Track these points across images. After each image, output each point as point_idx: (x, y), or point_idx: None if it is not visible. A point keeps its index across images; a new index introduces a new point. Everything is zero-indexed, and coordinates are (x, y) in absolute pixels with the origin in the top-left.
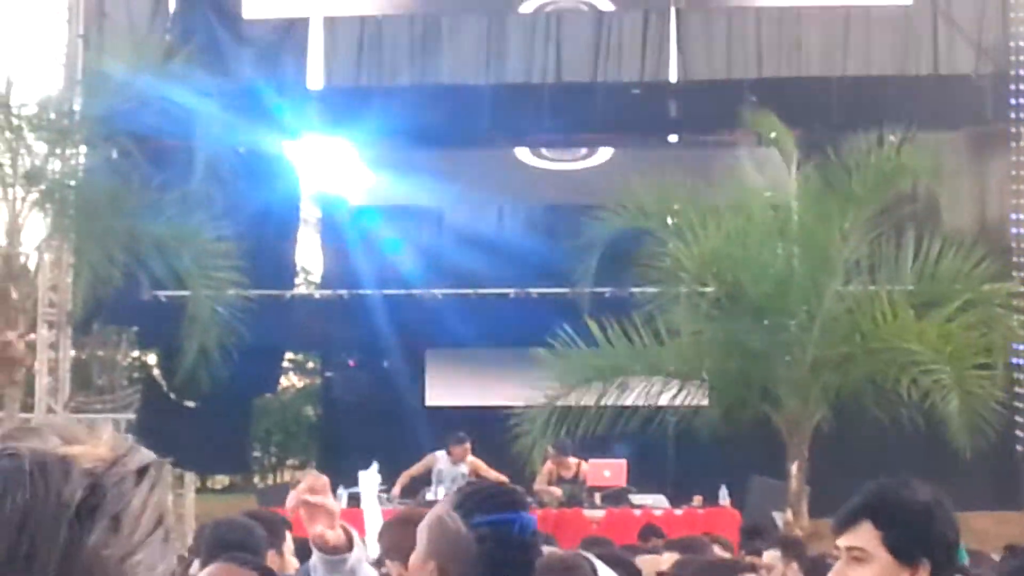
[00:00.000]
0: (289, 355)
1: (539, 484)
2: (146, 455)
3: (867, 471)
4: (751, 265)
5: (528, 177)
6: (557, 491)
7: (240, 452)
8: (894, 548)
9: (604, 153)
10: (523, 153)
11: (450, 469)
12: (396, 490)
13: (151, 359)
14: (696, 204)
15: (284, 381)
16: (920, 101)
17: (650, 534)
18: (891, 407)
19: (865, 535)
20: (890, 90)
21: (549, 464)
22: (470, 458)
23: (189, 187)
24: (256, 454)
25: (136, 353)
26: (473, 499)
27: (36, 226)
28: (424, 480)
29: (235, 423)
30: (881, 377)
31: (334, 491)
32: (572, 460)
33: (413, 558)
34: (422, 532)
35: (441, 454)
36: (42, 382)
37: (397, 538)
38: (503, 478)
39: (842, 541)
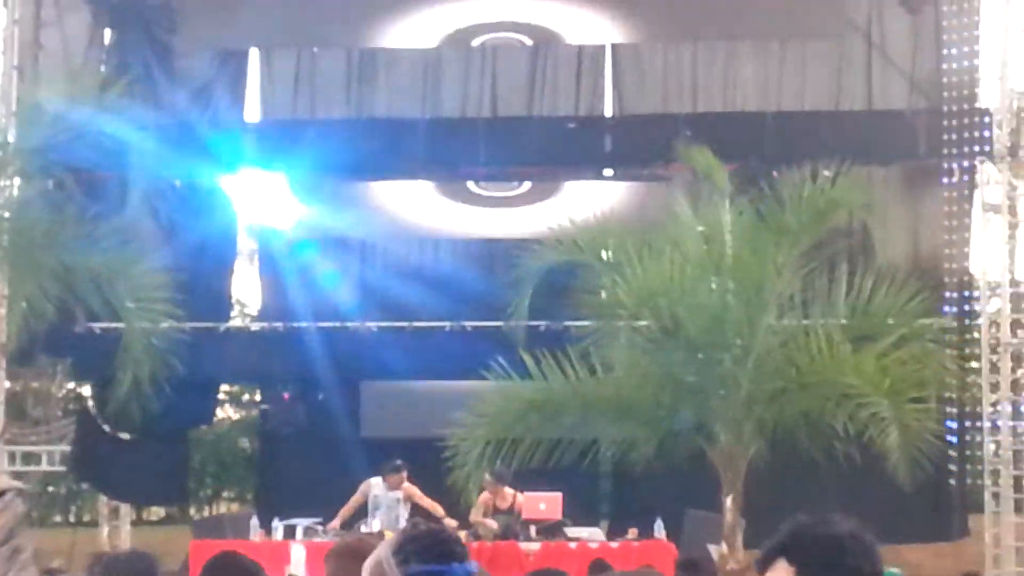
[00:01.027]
0: (225, 387)
1: (475, 515)
2: (4, 483)
3: (802, 504)
4: (686, 300)
5: (463, 210)
6: (493, 524)
7: (176, 484)
8: None
9: (537, 187)
10: (458, 186)
11: (386, 495)
12: (336, 522)
13: (86, 391)
14: (631, 238)
15: (220, 413)
16: (854, 136)
17: (599, 569)
18: (826, 441)
19: (781, 572)
20: (824, 125)
21: (486, 494)
22: (406, 485)
23: (124, 219)
24: (192, 486)
25: (71, 385)
26: (411, 547)
27: None
28: (362, 511)
29: (171, 455)
30: (816, 411)
31: (270, 523)
32: (508, 491)
33: None
34: (363, 574)
35: (376, 480)
36: None
37: (338, 569)
38: (437, 507)
39: None
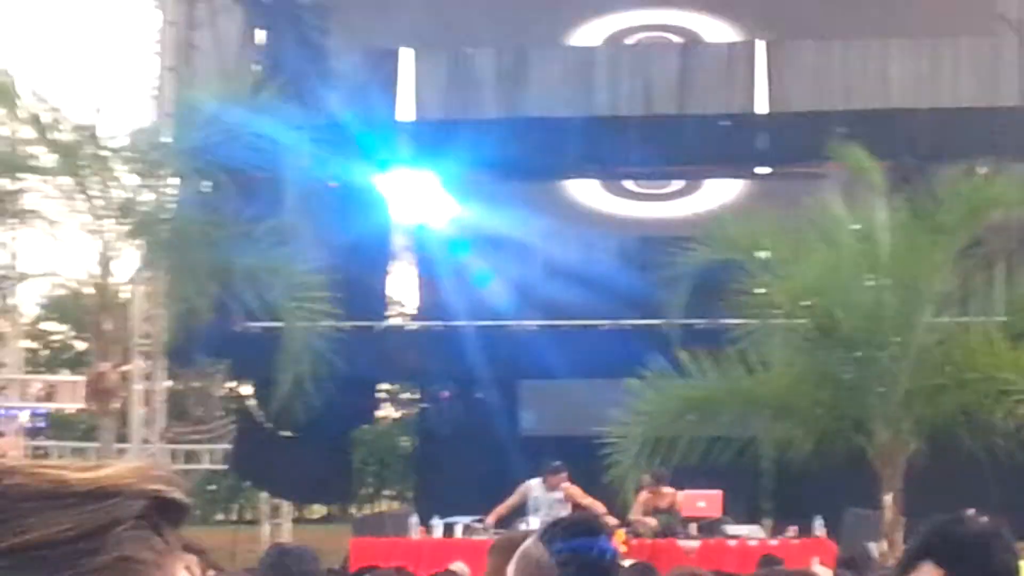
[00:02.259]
0: (384, 386)
1: (634, 514)
2: None
3: (962, 501)
4: (843, 298)
5: (617, 209)
6: (652, 521)
7: (338, 482)
8: None
9: (693, 185)
10: (614, 184)
11: (545, 496)
12: (491, 519)
13: (246, 390)
14: (786, 236)
15: (379, 412)
16: (1008, 132)
17: (769, 563)
18: (984, 437)
19: (928, 575)
20: (978, 121)
21: (645, 493)
22: (565, 485)
23: (280, 219)
24: (353, 484)
25: (231, 384)
26: (556, 527)
27: (129, 258)
28: (520, 510)
29: (332, 453)
30: (975, 408)
31: (429, 521)
32: (667, 490)
33: None
34: (512, 563)
35: (535, 482)
36: (137, 413)
37: (499, 563)
38: (599, 504)
39: None
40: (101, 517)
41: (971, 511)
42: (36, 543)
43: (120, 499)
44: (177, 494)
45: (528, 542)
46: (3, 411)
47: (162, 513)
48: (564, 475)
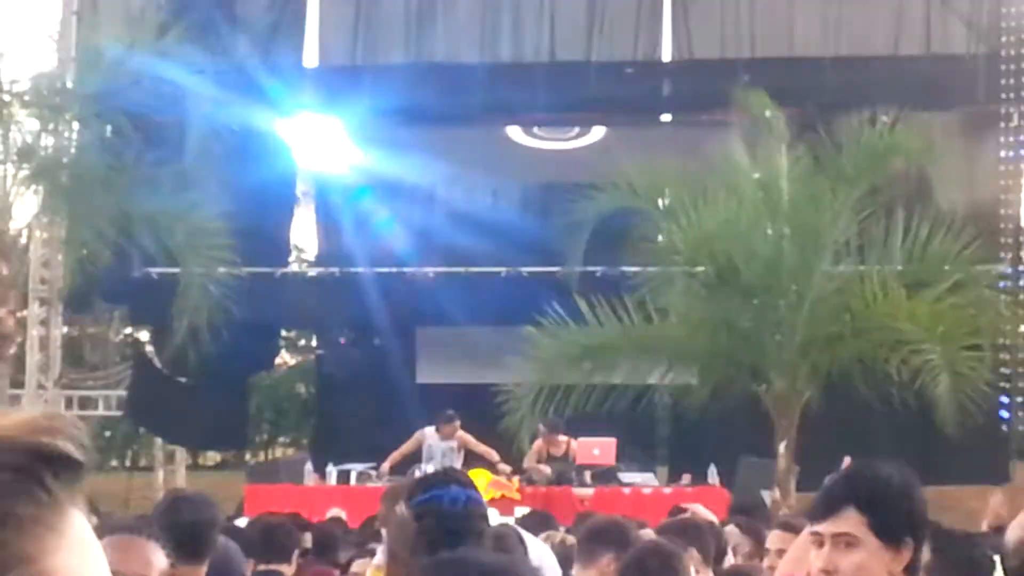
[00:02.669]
0: (282, 332)
1: (529, 461)
2: None
3: (855, 449)
4: (743, 245)
5: (520, 156)
6: (546, 469)
7: (233, 429)
8: (880, 532)
9: (597, 132)
10: (515, 132)
11: (439, 444)
12: (386, 466)
13: (143, 336)
14: (688, 184)
15: (277, 359)
16: (912, 81)
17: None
18: (880, 387)
19: (851, 521)
20: (882, 70)
21: (539, 442)
22: (459, 433)
23: (182, 165)
24: (248, 431)
25: (128, 330)
26: (417, 483)
27: (27, 203)
28: (415, 458)
29: (229, 400)
30: (870, 357)
31: (324, 468)
32: (562, 438)
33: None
34: (385, 534)
35: (430, 430)
36: (33, 359)
37: (390, 510)
38: (492, 452)
39: (825, 527)
40: None
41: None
42: None
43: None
44: (67, 447)
45: (398, 507)
46: None
47: (52, 466)
48: (457, 424)
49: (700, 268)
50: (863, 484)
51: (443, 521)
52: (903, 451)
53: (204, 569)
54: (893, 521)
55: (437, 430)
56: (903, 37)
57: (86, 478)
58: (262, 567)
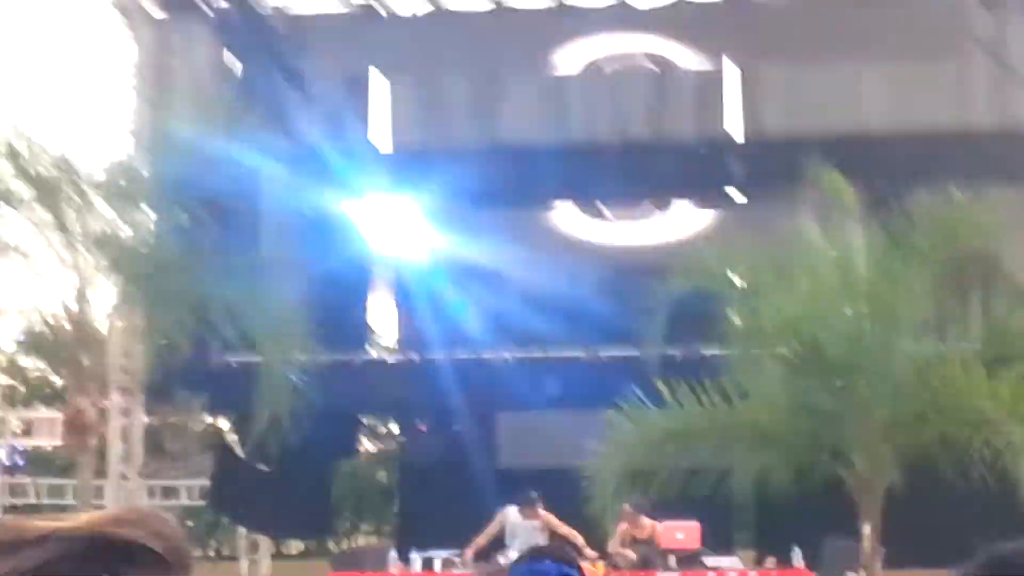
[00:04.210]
0: (362, 420)
1: (613, 546)
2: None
3: (940, 531)
4: (823, 326)
5: (595, 237)
6: (631, 553)
7: (316, 517)
8: None
9: (670, 214)
10: (590, 212)
11: (523, 523)
12: (469, 553)
13: (223, 424)
14: (763, 264)
15: (358, 446)
16: (983, 156)
17: None
18: (962, 466)
19: None
20: (952, 146)
21: (624, 525)
22: (542, 513)
23: (257, 250)
24: (331, 519)
25: (208, 419)
26: (524, 555)
27: (107, 292)
28: (499, 540)
29: (311, 488)
30: (953, 437)
31: (407, 554)
32: (646, 521)
33: None
34: None
35: (512, 509)
36: (115, 449)
37: None
38: (576, 535)
39: None
40: (31, 560)
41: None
42: None
43: (56, 542)
44: (134, 534)
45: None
46: None
47: (119, 554)
48: (539, 505)
49: (780, 349)
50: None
51: None
52: (987, 533)
53: None
54: None
55: (520, 511)
56: (972, 112)
57: (184, 565)
58: None
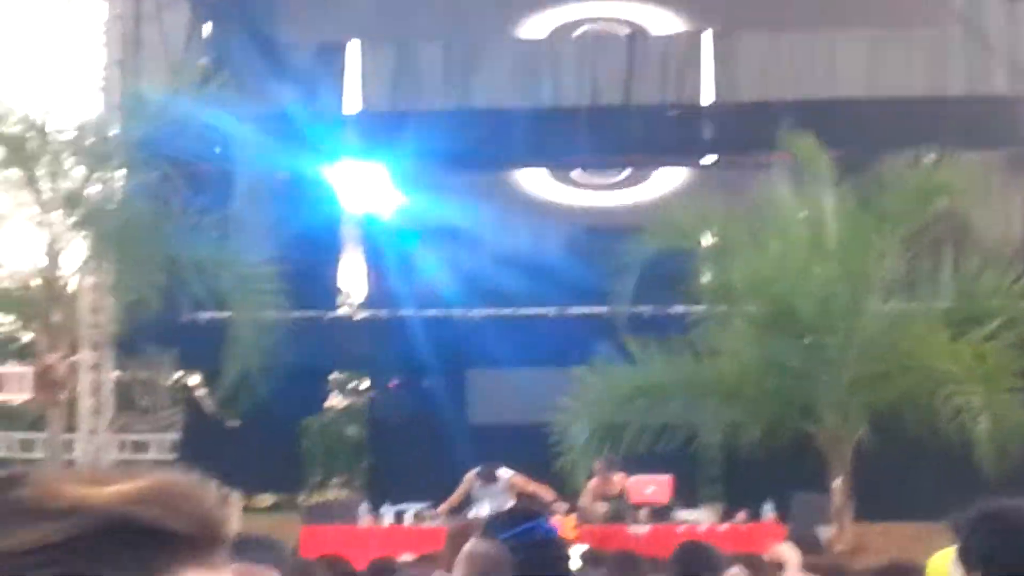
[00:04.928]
0: (332, 375)
1: (584, 500)
2: None
3: (907, 484)
4: (793, 286)
5: (564, 199)
6: (602, 507)
7: (286, 471)
8: (962, 559)
9: (640, 175)
10: (560, 175)
11: (488, 488)
12: (444, 507)
13: (193, 380)
14: (735, 224)
15: (328, 402)
16: (956, 122)
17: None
18: (928, 424)
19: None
20: (926, 111)
21: (594, 480)
22: (506, 474)
23: (229, 211)
24: (301, 473)
25: (178, 374)
26: (495, 521)
27: (76, 249)
28: (466, 502)
29: (280, 442)
30: (917, 395)
31: (378, 509)
32: (617, 476)
33: None
34: (459, 565)
35: (473, 474)
36: (85, 404)
37: (455, 547)
38: (545, 490)
39: None
40: (50, 535)
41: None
42: None
43: (78, 518)
44: (157, 516)
45: (470, 544)
46: None
47: (135, 533)
48: (499, 471)
49: (749, 308)
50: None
51: (543, 550)
52: (951, 490)
53: None
54: (969, 549)
55: (479, 476)
56: (946, 79)
57: (211, 544)
58: None
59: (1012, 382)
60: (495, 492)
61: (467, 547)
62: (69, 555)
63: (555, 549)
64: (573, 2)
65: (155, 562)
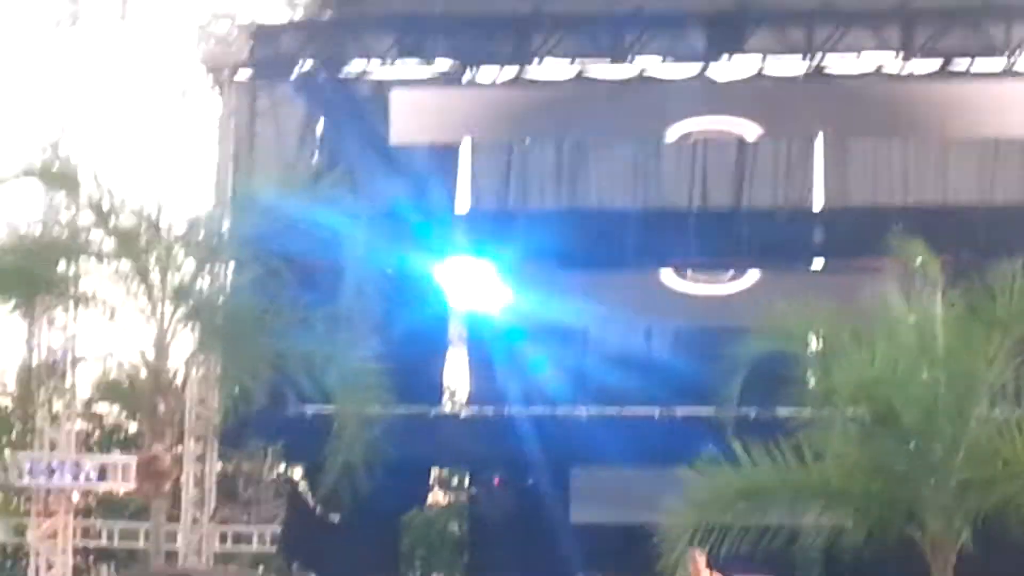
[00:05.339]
0: (435, 472)
1: None
2: None
3: None
4: (900, 390)
5: (673, 299)
6: None
7: (386, 567)
8: None
9: (750, 277)
10: (668, 276)
11: None
12: None
13: (296, 473)
14: (842, 328)
15: (430, 498)
16: None
17: None
18: None
19: None
20: None
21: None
22: None
23: (337, 307)
24: (401, 569)
25: (282, 467)
26: None
27: (184, 342)
28: None
29: (381, 538)
30: (1020, 500)
31: None
32: (705, 572)
33: None
34: None
35: None
36: (188, 494)
37: None
38: None
39: None
40: None
41: None
42: None
43: None
44: None
45: None
46: (56, 489)
47: None
48: None
49: (856, 411)
50: None
51: None
52: None
53: None
54: None
55: None
56: None
57: None
58: None
59: None
60: None
61: None
62: None
63: None
64: (684, 119)
65: None
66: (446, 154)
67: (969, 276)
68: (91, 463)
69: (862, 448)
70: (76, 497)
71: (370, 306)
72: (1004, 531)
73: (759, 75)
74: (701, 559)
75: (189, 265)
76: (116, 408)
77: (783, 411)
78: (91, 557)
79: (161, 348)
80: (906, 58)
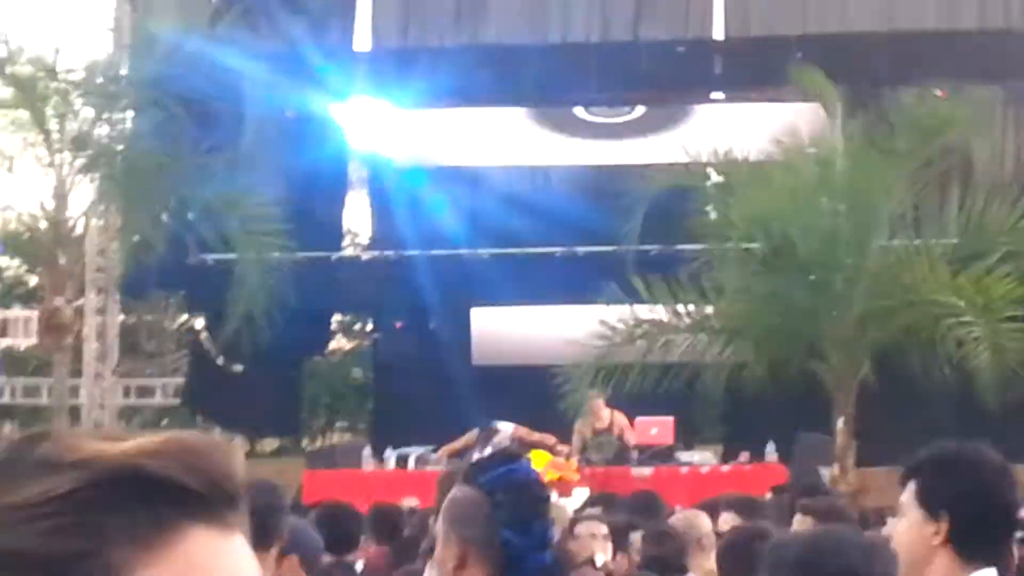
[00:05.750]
0: (337, 317)
1: (575, 439)
2: None
3: (910, 423)
4: (799, 222)
5: (572, 137)
6: (587, 436)
7: (291, 415)
8: (923, 501)
9: (647, 112)
10: (568, 113)
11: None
12: (443, 453)
13: (199, 323)
14: (741, 162)
15: (332, 343)
16: (964, 56)
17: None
18: (931, 360)
19: (908, 491)
20: (935, 45)
21: (580, 422)
22: (512, 427)
23: (237, 150)
24: (304, 417)
25: (184, 317)
26: (475, 465)
27: (83, 191)
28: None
29: (284, 386)
30: (920, 330)
31: (382, 452)
32: (606, 412)
33: (438, 545)
34: (441, 516)
35: (475, 431)
36: (90, 347)
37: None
38: (548, 437)
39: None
40: (63, 485)
41: None
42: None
43: (91, 470)
44: (167, 469)
45: (452, 490)
46: None
47: (148, 487)
48: (498, 429)
49: (755, 245)
50: (924, 456)
51: (522, 492)
52: (958, 428)
53: (273, 554)
54: (932, 491)
55: (480, 435)
56: (957, 12)
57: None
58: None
59: (1013, 312)
60: (501, 440)
61: (448, 496)
62: (75, 506)
63: (533, 490)
64: None
65: (164, 517)
66: None
67: (868, 105)
68: None
69: (762, 282)
70: None
71: (270, 149)
72: (903, 362)
73: None
74: (600, 401)
75: (87, 112)
76: (16, 262)
77: (684, 248)
78: None
79: (60, 198)
80: None
